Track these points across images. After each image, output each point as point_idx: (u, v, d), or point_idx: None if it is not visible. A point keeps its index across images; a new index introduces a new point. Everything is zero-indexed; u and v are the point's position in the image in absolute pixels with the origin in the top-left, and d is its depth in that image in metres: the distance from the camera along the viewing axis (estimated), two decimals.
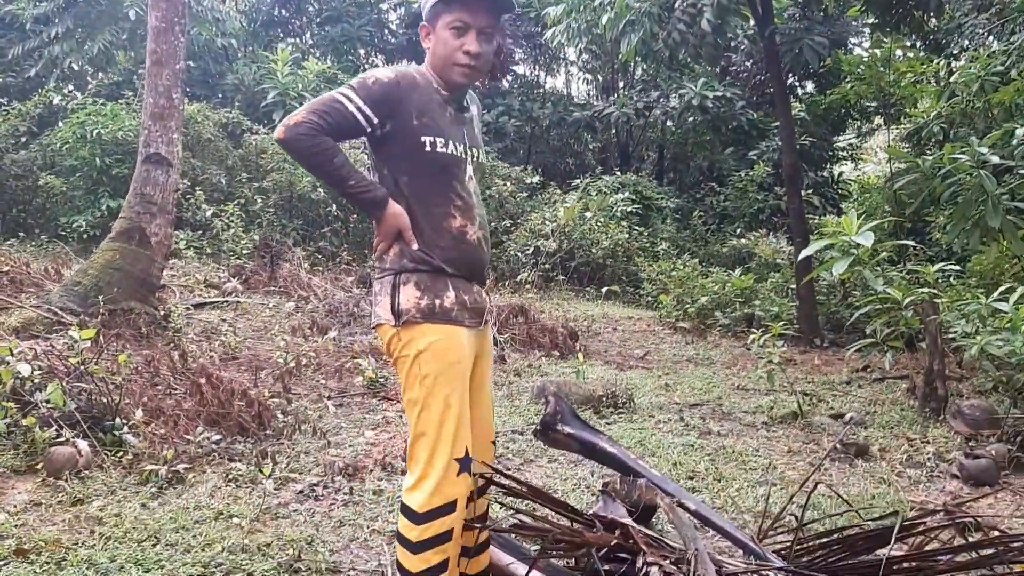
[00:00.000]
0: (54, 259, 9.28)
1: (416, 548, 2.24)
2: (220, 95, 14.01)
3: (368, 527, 3.41)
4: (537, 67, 20.26)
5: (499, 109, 16.17)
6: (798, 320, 8.38)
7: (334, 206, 11.61)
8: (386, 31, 17.86)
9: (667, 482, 3.26)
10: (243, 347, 6.58)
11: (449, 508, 2.25)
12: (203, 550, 3.06)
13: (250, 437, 4.41)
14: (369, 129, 2.28)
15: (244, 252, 9.94)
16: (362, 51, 18.48)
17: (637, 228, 12.42)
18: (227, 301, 8.24)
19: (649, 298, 10.52)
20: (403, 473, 4.12)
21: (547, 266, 11.13)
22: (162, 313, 6.62)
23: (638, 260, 11.53)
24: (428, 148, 2.31)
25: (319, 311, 8.15)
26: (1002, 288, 5.40)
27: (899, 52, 12.97)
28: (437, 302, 2.29)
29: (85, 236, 10.55)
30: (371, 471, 4.11)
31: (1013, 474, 4.27)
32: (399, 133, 2.30)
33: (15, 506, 3.41)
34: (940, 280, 7.86)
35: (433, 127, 2.32)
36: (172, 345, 6.05)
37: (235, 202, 10.60)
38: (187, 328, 6.77)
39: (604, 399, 5.47)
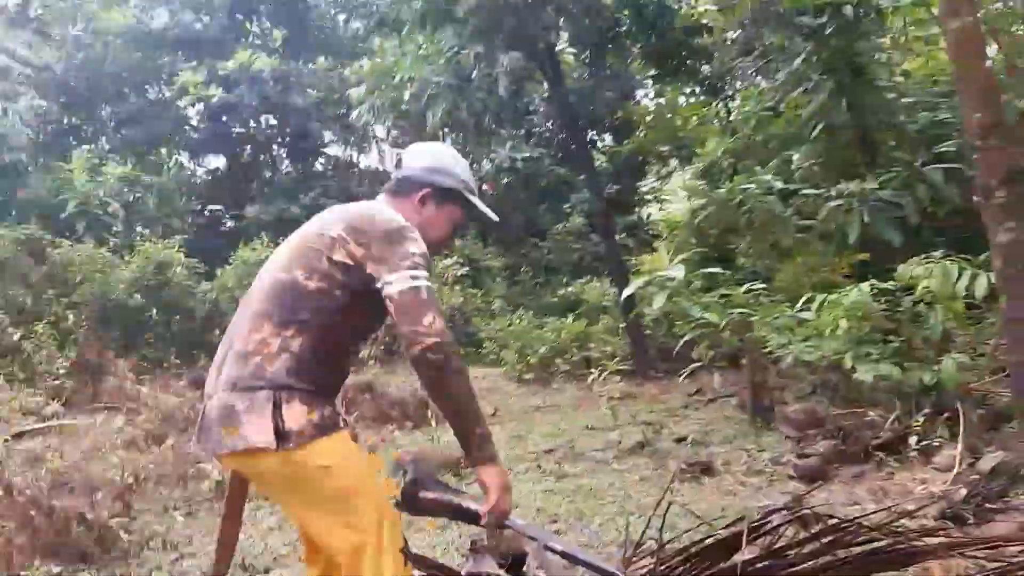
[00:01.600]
0: None
1: None
2: (13, 212, 13.15)
3: None
4: (348, 147, 20.38)
5: (317, 191, 16.11)
6: (632, 355, 8.79)
7: (154, 310, 11.13)
8: (187, 128, 17.45)
9: (532, 528, 3.35)
10: (73, 471, 6.14)
11: None
12: None
13: (93, 563, 4.13)
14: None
15: (62, 372, 9.31)
16: (163, 150, 17.97)
17: (471, 290, 12.64)
18: (49, 426, 7.69)
19: (492, 356, 10.69)
20: (265, 572, 4.01)
21: (387, 339, 11.08)
22: None
23: (476, 321, 11.72)
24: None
25: (152, 421, 7.73)
26: (804, 298, 5.93)
27: (682, 99, 14.09)
28: (325, 412, 2.19)
29: None
30: (231, 575, 3.94)
31: (841, 466, 4.67)
32: None
33: None
34: (752, 300, 8.51)
35: None
36: None
37: (44, 321, 9.94)
38: (8, 461, 6.25)
39: (462, 460, 5.52)
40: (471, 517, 3.37)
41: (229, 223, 17.87)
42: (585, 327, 9.77)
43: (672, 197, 19.84)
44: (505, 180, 15.01)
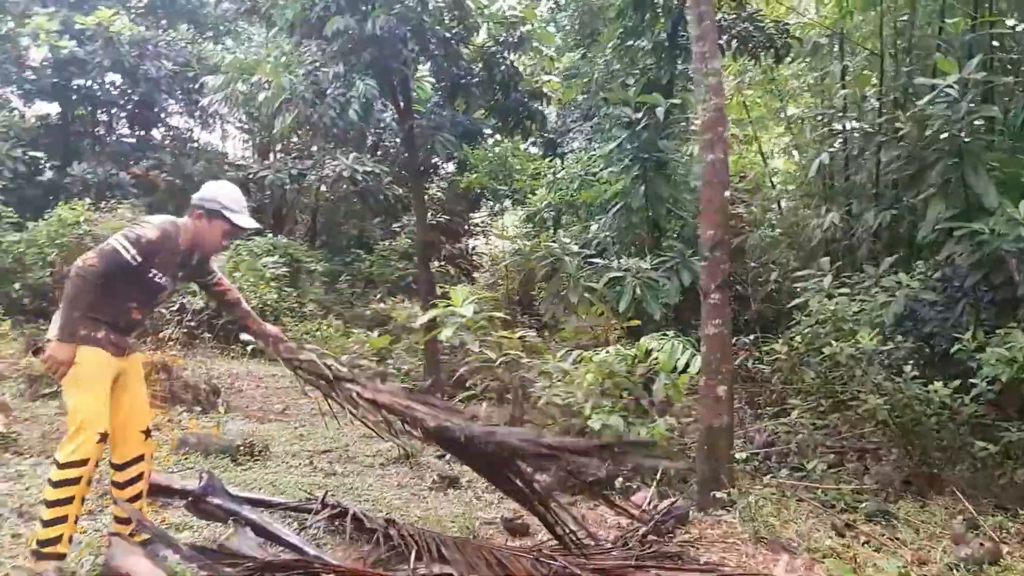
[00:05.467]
0: None
1: None
2: None
3: (9, 564, 3.72)
4: (192, 120, 20.13)
5: (151, 162, 15.94)
6: (424, 377, 9.58)
7: None
8: (28, 71, 16.77)
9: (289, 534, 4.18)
10: None
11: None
12: None
13: None
14: None
15: None
16: None
17: (287, 289, 13.03)
18: None
19: None
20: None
21: (192, 323, 11.29)
22: None
23: (285, 320, 12.13)
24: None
25: None
26: (565, 350, 6.93)
27: (524, 146, 15.17)
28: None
29: None
30: (7, 518, 4.34)
31: (560, 494, 5.60)
32: None
33: None
34: (540, 344, 9.53)
35: None
36: None
37: None
38: None
39: (242, 448, 6.07)
40: (246, 522, 4.18)
41: (49, 174, 17.25)
42: (389, 343, 10.46)
43: (503, 233, 21.07)
44: (344, 187, 15.50)
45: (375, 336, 10.68)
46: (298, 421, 7.81)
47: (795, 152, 13.00)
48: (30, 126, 17.22)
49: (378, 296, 14.38)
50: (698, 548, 4.63)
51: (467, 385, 7.67)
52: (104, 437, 3.54)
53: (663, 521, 4.86)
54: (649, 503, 5.26)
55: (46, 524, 3.53)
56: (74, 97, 17.22)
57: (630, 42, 11.00)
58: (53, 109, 18.25)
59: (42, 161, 16.61)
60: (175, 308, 11.43)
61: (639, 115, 9.19)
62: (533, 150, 16.18)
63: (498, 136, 14.19)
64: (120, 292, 3.62)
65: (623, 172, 9.53)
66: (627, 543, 4.56)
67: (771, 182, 12.58)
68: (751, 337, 8.75)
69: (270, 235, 15.49)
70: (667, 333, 6.26)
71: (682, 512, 4.99)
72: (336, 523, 4.59)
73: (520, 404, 6.70)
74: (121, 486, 3.78)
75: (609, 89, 10.73)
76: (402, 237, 15.41)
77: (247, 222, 3.89)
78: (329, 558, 3.98)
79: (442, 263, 15.94)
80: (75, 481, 3.48)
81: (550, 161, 14.81)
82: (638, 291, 8.15)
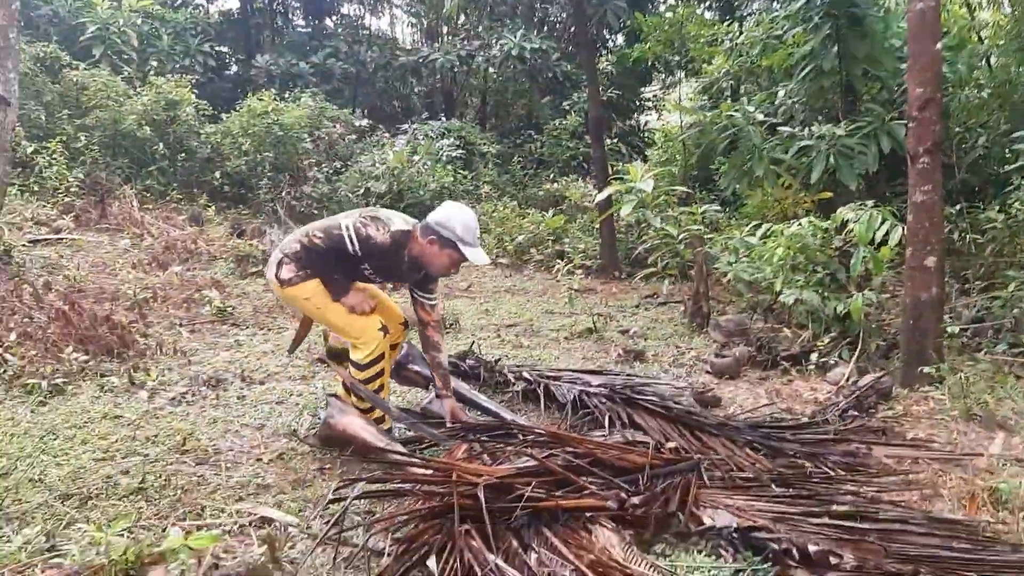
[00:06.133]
0: None
1: None
2: (35, 28, 13.36)
3: (238, 422, 4.08)
4: (363, 7, 20.39)
5: (326, 51, 16.34)
6: (600, 255, 9.53)
7: (160, 144, 11.63)
8: None
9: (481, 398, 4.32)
10: (87, 281, 6.87)
11: None
12: (99, 440, 3.65)
13: (116, 357, 4.91)
14: None
15: (71, 190, 9.90)
16: None
17: (462, 172, 13.22)
18: (60, 239, 8.36)
19: None
20: (260, 383, 4.82)
21: (377, 207, 11.70)
22: (2, 249, 6.80)
23: (462, 202, 12.36)
24: None
25: (155, 248, 8.43)
26: (752, 225, 6.64)
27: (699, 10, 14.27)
28: None
29: None
30: (232, 382, 4.75)
31: (751, 369, 5.50)
32: None
33: None
34: (721, 219, 9.20)
35: None
36: (17, 279, 6.29)
37: (56, 139, 10.43)
38: (28, 264, 6.96)
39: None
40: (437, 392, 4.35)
41: (235, 68, 18.11)
42: (563, 223, 10.46)
43: (676, 107, 20.24)
44: (511, 67, 15.34)
45: (550, 216, 10.70)
46: (482, 297, 8.02)
47: (1006, 2, 11.62)
48: (214, 22, 18.01)
49: (551, 176, 14.32)
50: (903, 424, 4.41)
51: (647, 262, 7.56)
52: (385, 328, 3.73)
53: (864, 396, 4.66)
54: (847, 379, 5.05)
55: (368, 411, 3.83)
56: None
57: None
58: (234, 3, 19.01)
59: (228, 55, 17.42)
60: (360, 192, 11.88)
61: None
62: (708, 15, 15.25)
63: (671, 1, 13.45)
64: (333, 261, 3.67)
65: (812, 32, 8.76)
66: (826, 418, 4.41)
67: (978, 36, 11.30)
68: (956, 207, 8.05)
69: (443, 118, 15.66)
70: (865, 204, 5.83)
71: (885, 387, 4.75)
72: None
73: (704, 280, 6.54)
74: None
75: None
76: (572, 116, 15.11)
77: (479, 258, 3.68)
78: (524, 423, 4.10)
79: (613, 140, 15.58)
80: (380, 373, 3.78)
81: (728, 25, 13.90)
82: (831, 160, 7.62)
